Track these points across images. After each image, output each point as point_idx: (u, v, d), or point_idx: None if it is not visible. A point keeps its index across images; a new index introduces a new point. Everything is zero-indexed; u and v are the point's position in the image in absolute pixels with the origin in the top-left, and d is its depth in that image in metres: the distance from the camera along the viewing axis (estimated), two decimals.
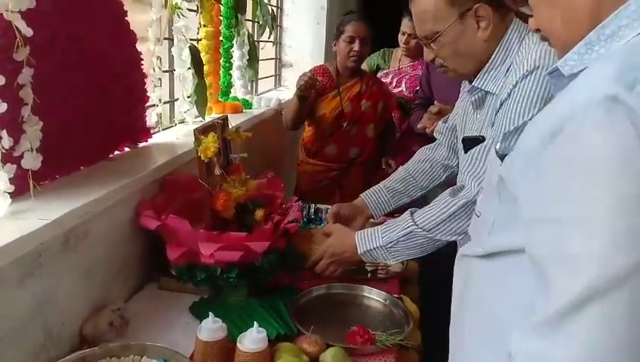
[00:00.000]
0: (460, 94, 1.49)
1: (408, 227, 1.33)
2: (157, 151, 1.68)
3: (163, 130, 1.94)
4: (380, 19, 3.01)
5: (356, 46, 2.40)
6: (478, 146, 1.25)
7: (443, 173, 1.63)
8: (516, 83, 1.18)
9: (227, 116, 1.54)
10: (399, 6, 2.29)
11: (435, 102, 2.29)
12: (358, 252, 1.37)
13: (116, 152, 1.58)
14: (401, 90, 2.87)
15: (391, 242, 1.35)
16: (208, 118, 1.99)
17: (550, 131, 0.58)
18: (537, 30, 0.75)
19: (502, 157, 0.72)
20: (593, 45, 0.65)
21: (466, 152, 1.31)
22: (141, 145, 1.69)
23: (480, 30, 1.21)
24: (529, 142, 0.63)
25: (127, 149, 1.63)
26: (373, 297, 1.40)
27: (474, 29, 1.21)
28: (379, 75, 2.90)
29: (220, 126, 1.42)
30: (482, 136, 1.26)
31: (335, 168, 2.55)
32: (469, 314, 0.75)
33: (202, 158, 1.27)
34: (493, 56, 1.24)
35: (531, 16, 0.75)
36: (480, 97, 1.30)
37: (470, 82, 1.30)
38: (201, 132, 1.29)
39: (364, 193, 1.66)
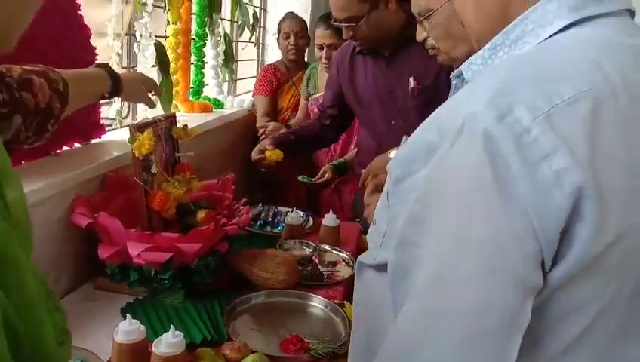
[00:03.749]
0: None
1: None
2: (110, 148, 1.64)
3: (122, 126, 1.91)
4: None
5: (291, 40, 2.74)
6: None
7: None
8: None
9: (175, 114, 1.50)
10: None
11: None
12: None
13: (65, 148, 1.55)
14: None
15: None
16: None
17: (428, 146, 0.53)
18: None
19: None
20: (497, 50, 0.60)
21: None
22: (94, 141, 1.66)
23: None
24: (411, 153, 0.57)
25: (78, 145, 1.60)
26: (314, 304, 1.36)
27: None
28: (310, 101, 2.68)
29: (164, 123, 1.39)
30: None
31: None
32: (357, 323, 0.72)
33: (137, 155, 1.23)
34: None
35: None
36: (457, 85, 1.26)
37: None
38: (138, 128, 1.25)
39: None
